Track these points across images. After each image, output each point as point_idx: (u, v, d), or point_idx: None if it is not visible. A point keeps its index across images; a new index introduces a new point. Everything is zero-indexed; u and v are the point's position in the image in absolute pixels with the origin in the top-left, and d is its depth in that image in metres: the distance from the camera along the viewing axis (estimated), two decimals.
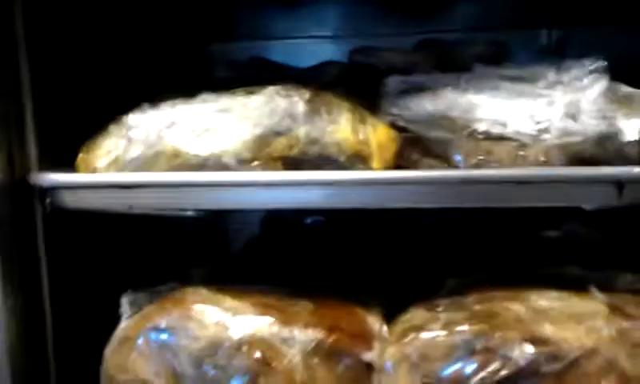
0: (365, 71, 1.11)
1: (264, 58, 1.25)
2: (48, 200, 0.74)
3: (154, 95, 0.81)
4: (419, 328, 0.76)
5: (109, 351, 0.77)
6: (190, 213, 0.79)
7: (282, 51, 1.38)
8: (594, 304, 0.76)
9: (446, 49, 1.19)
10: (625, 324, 0.73)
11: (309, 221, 1.19)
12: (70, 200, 0.74)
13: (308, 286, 0.83)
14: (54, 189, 0.74)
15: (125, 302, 0.80)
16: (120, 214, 0.79)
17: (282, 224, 1.18)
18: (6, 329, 0.72)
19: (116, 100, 0.84)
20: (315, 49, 1.37)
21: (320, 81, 1.11)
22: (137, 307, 0.80)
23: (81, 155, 0.78)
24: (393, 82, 0.82)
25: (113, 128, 0.77)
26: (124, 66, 0.97)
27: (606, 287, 0.80)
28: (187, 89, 0.81)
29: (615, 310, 0.75)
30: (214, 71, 1.30)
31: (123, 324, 0.78)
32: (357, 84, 1.06)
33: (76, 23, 0.85)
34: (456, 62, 1.14)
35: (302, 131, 0.73)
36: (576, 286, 0.80)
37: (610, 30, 1.12)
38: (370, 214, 1.10)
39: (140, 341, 0.76)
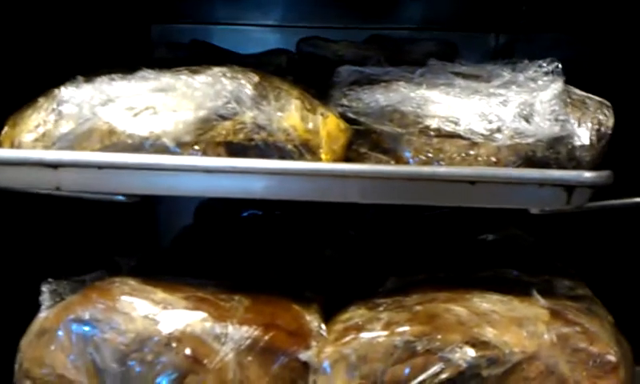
0: (313, 62, 1.08)
1: (206, 42, 1.21)
2: None
3: (90, 71, 0.75)
4: (359, 328, 0.73)
5: (25, 343, 0.71)
6: (121, 197, 0.74)
7: (225, 37, 1.34)
8: (535, 308, 0.75)
9: (397, 44, 1.18)
10: (565, 329, 0.73)
11: (245, 213, 1.15)
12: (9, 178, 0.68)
13: (244, 281, 0.79)
14: None
15: (45, 290, 0.74)
16: (43, 195, 0.74)
17: (216, 215, 1.13)
18: None
19: (50, 77, 0.78)
20: (260, 37, 1.34)
21: (266, 69, 1.07)
22: (58, 297, 0.74)
23: (5, 129, 0.71)
24: (344, 72, 0.79)
25: (42, 101, 0.70)
26: (60, 42, 0.90)
27: (545, 292, 0.79)
28: (126, 66, 0.75)
29: (556, 315, 0.74)
30: (154, 52, 1.25)
31: (42, 314, 0.72)
32: (305, 74, 1.03)
33: None
34: (407, 58, 1.12)
35: (248, 116, 0.69)
36: (517, 289, 0.79)
37: (558, 36, 1.12)
38: (309, 208, 1.07)
39: (60, 332, 0.70)
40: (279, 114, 0.70)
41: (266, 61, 1.10)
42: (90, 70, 0.75)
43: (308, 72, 1.07)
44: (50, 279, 0.75)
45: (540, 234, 1.04)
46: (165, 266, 0.85)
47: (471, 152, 0.73)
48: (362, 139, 0.77)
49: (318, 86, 0.83)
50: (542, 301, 0.76)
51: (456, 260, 0.94)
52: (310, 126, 0.71)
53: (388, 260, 0.96)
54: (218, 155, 0.68)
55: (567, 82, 0.74)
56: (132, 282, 0.73)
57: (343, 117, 0.76)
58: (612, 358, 0.72)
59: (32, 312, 0.74)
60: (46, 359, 0.70)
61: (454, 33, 1.34)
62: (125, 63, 0.77)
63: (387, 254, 1.00)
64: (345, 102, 0.77)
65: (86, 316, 0.70)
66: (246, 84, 0.69)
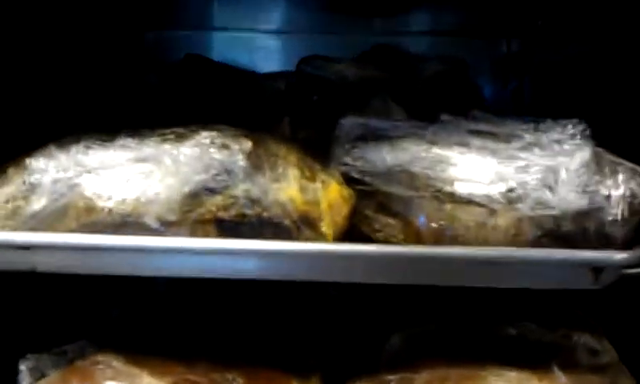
0: (314, 83, 1.01)
1: (200, 56, 1.14)
2: None
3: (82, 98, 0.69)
4: None
5: None
6: None
7: (221, 43, 1.27)
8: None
9: (402, 61, 1.10)
10: None
11: None
12: None
13: (236, 351, 0.73)
14: None
15: (23, 368, 0.68)
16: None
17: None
18: None
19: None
20: (257, 43, 1.26)
21: (263, 94, 1.00)
22: (38, 373, 0.68)
23: None
24: (347, 125, 0.72)
25: (12, 172, 0.63)
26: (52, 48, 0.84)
27: (566, 360, 0.73)
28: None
29: None
30: (146, 66, 1.19)
31: None
32: (304, 98, 0.97)
33: None
34: (412, 79, 1.06)
35: (240, 189, 0.62)
36: (535, 359, 0.73)
37: (569, 41, 1.04)
38: None
39: None
40: (275, 185, 0.63)
41: (265, 85, 1.03)
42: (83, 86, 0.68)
43: (308, 95, 1.00)
44: (28, 355, 0.69)
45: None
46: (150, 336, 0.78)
47: (488, 221, 0.66)
48: (368, 200, 0.70)
49: (318, 126, 0.76)
50: (563, 378, 0.70)
51: (467, 309, 0.87)
52: (310, 196, 0.64)
53: (388, 314, 0.89)
54: (207, 234, 0.62)
55: (582, 86, 0.67)
56: (115, 364, 0.67)
57: (346, 176, 0.69)
58: None
59: None
60: None
61: (463, 38, 1.27)
62: (116, 85, 0.70)
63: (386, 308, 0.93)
64: (348, 160, 0.70)
65: None
66: (237, 153, 0.62)
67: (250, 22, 1.24)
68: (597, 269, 0.62)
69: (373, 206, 0.70)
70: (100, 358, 0.69)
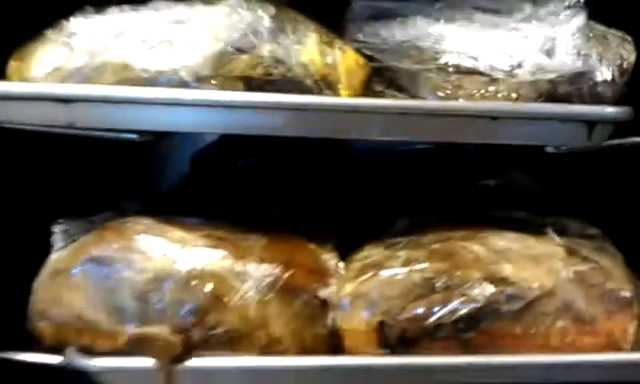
0: None
1: None
2: None
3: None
4: (377, 265, 0.73)
5: (40, 284, 0.70)
6: (134, 136, 0.73)
7: None
8: (551, 246, 0.76)
9: None
10: (581, 266, 0.73)
11: (241, 162, 1.12)
12: (3, 112, 0.65)
13: (256, 223, 0.78)
14: None
15: (56, 231, 0.72)
16: (47, 137, 0.71)
17: (212, 163, 1.11)
18: None
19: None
20: None
21: None
22: (70, 237, 0.72)
23: (12, 64, 0.69)
24: (359, 5, 0.77)
25: (51, 34, 0.68)
26: None
27: (558, 231, 0.79)
28: None
29: (571, 252, 0.75)
30: None
31: (56, 255, 0.71)
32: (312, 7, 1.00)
33: None
34: None
35: (266, 50, 0.67)
36: (531, 228, 0.79)
37: None
38: (306, 155, 1.06)
39: (75, 273, 0.69)
40: (297, 47, 0.68)
41: None
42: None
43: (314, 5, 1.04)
44: (60, 220, 0.73)
45: (540, 176, 1.04)
46: (172, 209, 0.83)
47: (491, 88, 0.72)
48: (378, 77, 0.75)
49: (329, 21, 0.81)
50: (558, 239, 0.77)
51: (463, 203, 0.93)
52: (329, 60, 0.69)
53: (393, 203, 0.95)
54: (236, 90, 0.66)
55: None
56: (146, 221, 0.72)
57: (359, 53, 0.74)
58: (626, 293, 0.73)
59: (44, 253, 0.72)
60: (62, 299, 0.68)
61: None
62: None
63: (391, 198, 0.99)
64: (360, 37, 0.75)
65: (102, 255, 0.69)
66: (263, 16, 0.67)
67: None
68: (590, 123, 0.69)
69: (383, 81, 0.76)
70: (130, 218, 0.73)
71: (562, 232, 0.80)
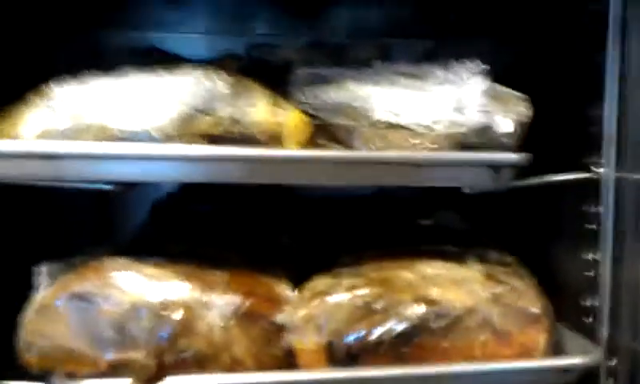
0: (263, 66, 1.18)
1: (155, 47, 1.27)
2: None
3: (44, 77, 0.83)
4: (324, 293, 0.85)
5: (27, 319, 0.79)
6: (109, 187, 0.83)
7: (164, 44, 1.39)
8: (471, 272, 0.89)
9: (335, 50, 1.30)
10: (497, 288, 0.87)
11: (197, 207, 1.23)
12: (7, 170, 0.75)
13: (219, 261, 0.89)
14: None
15: (41, 271, 0.81)
16: (26, 189, 0.81)
17: (171, 210, 1.21)
18: None
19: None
20: (190, 44, 1.38)
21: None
22: (53, 277, 0.82)
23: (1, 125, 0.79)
24: (301, 73, 0.90)
25: (34, 98, 0.78)
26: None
27: (479, 260, 0.93)
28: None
29: (489, 277, 0.88)
30: (101, 59, 1.30)
31: (41, 292, 0.80)
32: (257, 77, 1.13)
33: None
34: (346, 62, 1.25)
35: (226, 111, 0.79)
36: (455, 258, 0.92)
37: (480, 41, 1.27)
38: (258, 201, 1.18)
39: (60, 307, 0.78)
40: (251, 109, 0.81)
41: (223, 65, 1.19)
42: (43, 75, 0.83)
43: (259, 76, 1.17)
44: (44, 262, 0.82)
45: (468, 217, 1.19)
46: (137, 251, 0.93)
47: (414, 141, 0.86)
48: (320, 133, 0.88)
49: (273, 88, 0.93)
50: (478, 265, 0.90)
51: (399, 240, 1.06)
52: (279, 119, 0.82)
53: (338, 242, 1.07)
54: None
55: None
56: (121, 261, 0.82)
57: (303, 113, 0.88)
58: (536, 310, 0.86)
59: (25, 292, 0.81)
60: (46, 332, 0.78)
61: (386, 39, 1.44)
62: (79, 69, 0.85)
63: (336, 238, 1.12)
64: (303, 99, 0.88)
65: (83, 291, 0.78)
66: (221, 83, 0.80)
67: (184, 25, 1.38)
68: (496, 167, 0.83)
69: (325, 136, 0.89)
70: (108, 259, 0.83)
71: (482, 260, 0.93)
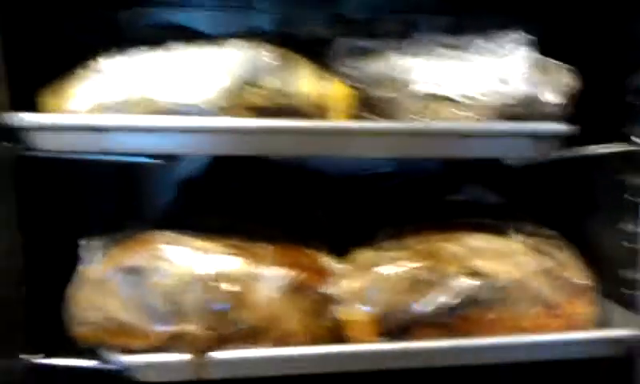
0: (292, 40, 1.17)
1: (181, 25, 1.26)
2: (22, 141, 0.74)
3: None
4: (372, 265, 0.85)
5: (77, 292, 0.78)
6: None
7: (189, 20, 1.38)
8: (515, 244, 0.89)
9: (361, 25, 1.28)
10: (543, 260, 0.87)
11: (234, 184, 1.22)
12: (48, 141, 0.74)
13: (261, 235, 0.88)
14: (33, 129, 0.74)
15: (88, 245, 0.81)
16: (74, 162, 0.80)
17: (208, 185, 1.20)
18: None
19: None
20: (218, 19, 1.37)
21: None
22: (102, 251, 0.81)
23: (48, 98, 0.78)
24: (341, 43, 0.90)
25: (82, 72, 0.78)
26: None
27: (521, 232, 0.93)
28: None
29: (534, 249, 0.88)
30: (130, 36, 1.29)
31: (90, 266, 0.79)
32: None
33: None
34: (374, 37, 1.23)
35: (273, 83, 0.78)
36: (497, 230, 0.92)
37: (501, 20, 1.26)
38: (297, 177, 1.17)
39: (110, 280, 0.78)
40: (298, 81, 0.80)
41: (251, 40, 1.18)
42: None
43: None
44: (90, 236, 0.82)
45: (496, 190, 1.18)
46: (179, 225, 0.92)
47: (458, 112, 0.86)
48: (361, 104, 0.88)
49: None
50: (520, 238, 0.90)
51: (433, 213, 1.06)
52: (322, 90, 0.81)
53: (373, 217, 1.07)
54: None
55: None
56: (170, 234, 0.81)
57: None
58: (583, 282, 0.86)
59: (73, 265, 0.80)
60: (98, 305, 0.77)
61: (411, 15, 1.41)
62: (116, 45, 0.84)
63: (371, 213, 1.11)
64: (344, 70, 0.88)
65: (133, 264, 0.78)
66: (270, 56, 0.79)
67: None
68: (542, 137, 0.83)
69: (365, 108, 0.88)
70: (156, 232, 0.82)
71: (523, 233, 0.93)
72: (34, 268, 0.80)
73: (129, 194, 1.12)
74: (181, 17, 1.36)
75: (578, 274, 0.86)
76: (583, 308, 0.84)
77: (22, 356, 0.76)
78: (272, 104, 0.79)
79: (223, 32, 1.11)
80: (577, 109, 0.87)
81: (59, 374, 0.77)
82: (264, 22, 1.24)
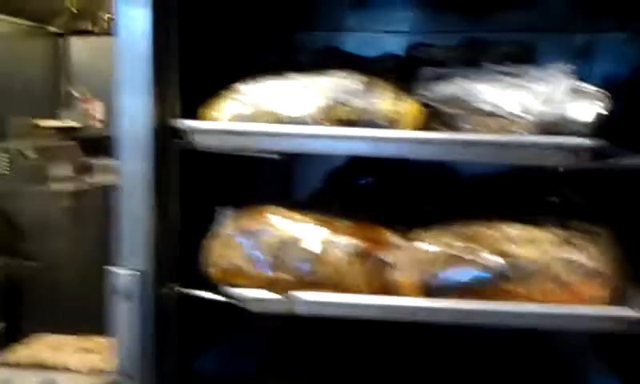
0: (414, 63, 1.42)
1: (336, 47, 1.57)
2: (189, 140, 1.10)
3: (252, 71, 1.16)
4: (420, 241, 1.09)
5: (209, 245, 1.13)
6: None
7: (353, 41, 1.67)
8: (546, 234, 1.07)
9: (484, 47, 1.47)
10: (568, 249, 1.05)
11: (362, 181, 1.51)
12: (202, 140, 1.10)
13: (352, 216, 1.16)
14: (192, 132, 1.10)
15: (222, 213, 1.15)
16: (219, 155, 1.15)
17: (341, 181, 1.50)
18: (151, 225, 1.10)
19: (221, 74, 1.19)
20: (381, 42, 1.66)
21: (379, 69, 1.43)
22: (230, 217, 1.15)
23: (204, 111, 1.14)
24: (425, 72, 1.15)
25: (228, 93, 1.13)
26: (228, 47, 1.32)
27: (562, 227, 1.10)
28: (277, 69, 1.16)
29: (563, 239, 1.06)
30: (297, 56, 1.62)
31: (222, 228, 1.14)
32: (408, 72, 1.37)
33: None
34: (488, 58, 1.43)
35: (359, 103, 1.07)
36: (535, 223, 1.11)
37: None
38: (410, 177, 1.43)
39: (234, 238, 1.12)
40: (378, 101, 1.07)
41: (381, 63, 1.44)
42: (251, 68, 1.16)
43: (411, 71, 1.41)
44: (225, 206, 1.16)
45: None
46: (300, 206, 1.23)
47: (509, 127, 1.06)
48: (434, 119, 1.12)
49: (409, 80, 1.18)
50: (556, 230, 1.08)
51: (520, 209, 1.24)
52: (399, 109, 1.08)
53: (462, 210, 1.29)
54: None
55: None
56: (278, 208, 1.14)
57: (422, 103, 1.12)
58: (597, 268, 1.03)
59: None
60: (225, 255, 1.12)
61: (538, 34, 1.57)
62: (277, 65, 1.17)
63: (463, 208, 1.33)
64: (423, 92, 1.13)
65: (250, 227, 1.11)
66: (358, 82, 1.08)
67: (375, 25, 1.66)
68: (576, 149, 1.01)
69: (438, 122, 1.12)
70: (271, 207, 1.15)
71: (565, 227, 1.10)
72: (185, 227, 1.17)
73: (254, 179, 1.47)
74: (340, 38, 1.66)
75: (594, 261, 1.02)
76: (596, 290, 1.01)
77: (175, 288, 1.13)
78: (357, 118, 1.07)
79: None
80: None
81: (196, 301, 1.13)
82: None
